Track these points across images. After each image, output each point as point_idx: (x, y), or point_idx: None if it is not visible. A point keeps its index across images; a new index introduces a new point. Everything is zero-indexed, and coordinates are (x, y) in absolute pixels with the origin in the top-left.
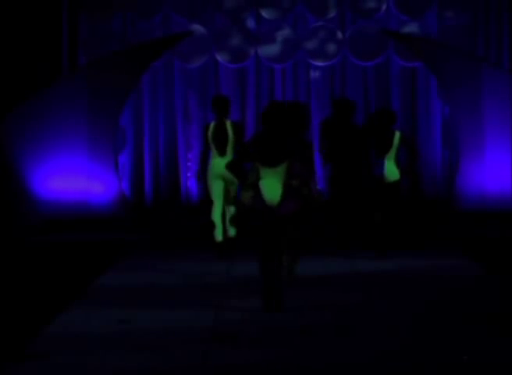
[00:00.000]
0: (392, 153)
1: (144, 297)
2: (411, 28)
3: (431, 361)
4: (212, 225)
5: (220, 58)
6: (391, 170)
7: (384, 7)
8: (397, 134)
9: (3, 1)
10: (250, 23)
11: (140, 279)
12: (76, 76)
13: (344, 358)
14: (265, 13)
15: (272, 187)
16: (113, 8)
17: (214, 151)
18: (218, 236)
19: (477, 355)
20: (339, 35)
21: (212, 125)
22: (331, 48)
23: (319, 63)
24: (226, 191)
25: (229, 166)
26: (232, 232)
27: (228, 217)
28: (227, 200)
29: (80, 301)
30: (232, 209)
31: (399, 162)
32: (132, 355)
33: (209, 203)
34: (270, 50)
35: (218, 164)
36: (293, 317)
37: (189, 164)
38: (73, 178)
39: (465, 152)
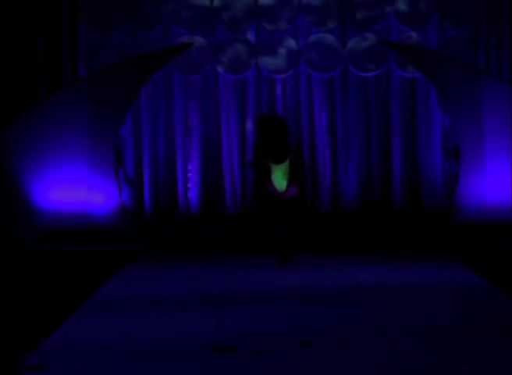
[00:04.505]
0: None
1: (144, 308)
2: (411, 39)
3: (430, 374)
4: None
5: (220, 69)
6: None
7: (384, 18)
8: None
9: (3, 14)
10: (251, 35)
11: (141, 290)
12: (77, 88)
13: (343, 372)
14: (266, 24)
15: (280, 178)
16: (113, 20)
17: None
18: None
19: (477, 369)
20: (340, 46)
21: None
22: (331, 59)
23: (320, 74)
24: None
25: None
26: None
27: None
28: None
29: (80, 312)
30: None
31: None
32: (132, 368)
33: None
34: (270, 61)
35: None
36: (293, 329)
37: (189, 175)
38: (74, 189)
39: (465, 163)
